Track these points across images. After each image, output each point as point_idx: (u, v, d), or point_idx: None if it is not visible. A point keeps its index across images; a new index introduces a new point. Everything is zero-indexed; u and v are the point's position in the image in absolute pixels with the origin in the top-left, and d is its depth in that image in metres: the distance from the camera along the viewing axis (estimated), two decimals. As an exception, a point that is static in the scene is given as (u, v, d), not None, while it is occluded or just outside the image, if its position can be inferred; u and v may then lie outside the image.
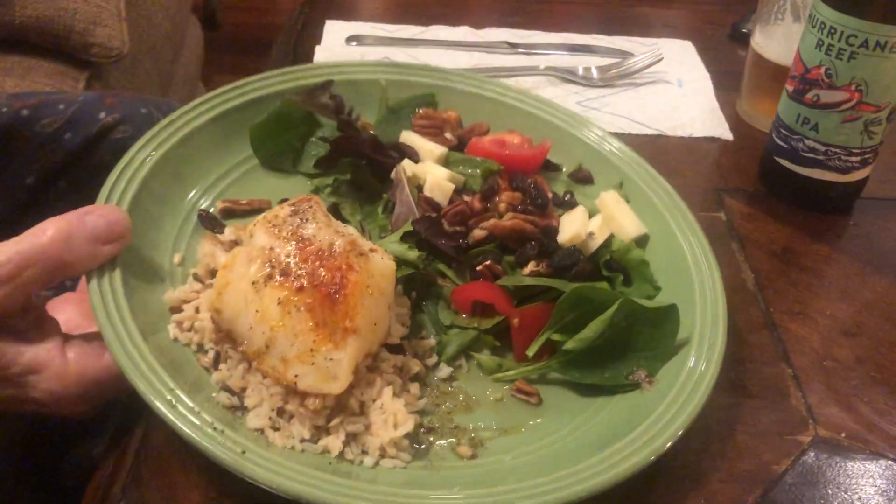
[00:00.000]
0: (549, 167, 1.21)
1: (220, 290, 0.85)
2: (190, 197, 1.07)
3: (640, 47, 1.72)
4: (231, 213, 1.07)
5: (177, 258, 0.99)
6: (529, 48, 1.68)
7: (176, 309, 0.93)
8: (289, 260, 0.85)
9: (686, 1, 2.03)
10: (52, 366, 0.85)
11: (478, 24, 1.75)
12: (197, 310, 0.92)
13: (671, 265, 1.07)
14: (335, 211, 1.08)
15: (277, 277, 0.84)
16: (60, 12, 1.61)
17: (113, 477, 0.88)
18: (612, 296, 0.96)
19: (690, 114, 1.53)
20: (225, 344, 0.88)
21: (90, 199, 1.39)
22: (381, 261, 0.89)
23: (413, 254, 0.98)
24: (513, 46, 1.67)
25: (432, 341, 0.96)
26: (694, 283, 1.03)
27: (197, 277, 0.95)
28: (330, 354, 0.82)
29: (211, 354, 0.89)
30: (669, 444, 0.84)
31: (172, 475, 0.86)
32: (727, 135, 1.49)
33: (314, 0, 1.83)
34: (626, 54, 1.67)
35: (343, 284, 0.83)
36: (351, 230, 0.93)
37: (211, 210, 1.07)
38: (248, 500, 0.81)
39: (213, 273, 0.96)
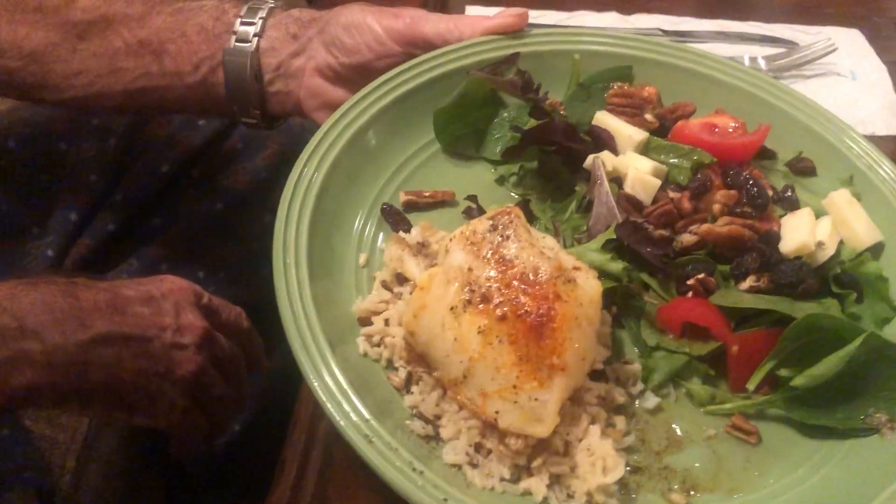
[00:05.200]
0: (763, 154, 1.07)
1: (415, 313, 0.79)
2: (371, 189, 1.00)
3: (803, 36, 1.53)
4: (414, 206, 1.00)
5: (362, 259, 0.94)
6: (684, 35, 1.52)
7: (364, 320, 0.88)
8: (490, 284, 0.78)
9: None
10: None
11: (625, 10, 1.58)
12: (386, 322, 0.86)
13: (913, 282, 0.92)
14: (524, 208, 0.99)
15: (478, 303, 0.77)
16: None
17: (296, 494, 0.86)
18: (851, 328, 0.83)
19: (869, 109, 1.37)
20: (417, 366, 0.83)
21: (223, 187, 1.39)
22: (588, 285, 0.80)
23: (617, 266, 0.89)
24: (666, 34, 1.51)
25: (637, 367, 0.87)
26: (943, 306, 0.89)
27: (385, 285, 0.90)
28: (535, 394, 0.74)
29: (402, 374, 0.84)
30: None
31: (359, 498, 0.83)
32: (914, 133, 1.31)
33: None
34: (790, 44, 1.50)
35: (550, 317, 0.75)
36: (551, 243, 0.84)
37: (393, 203, 1.00)
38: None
39: (399, 279, 0.90)
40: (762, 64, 1.45)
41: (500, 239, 0.80)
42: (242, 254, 1.41)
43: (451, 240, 0.82)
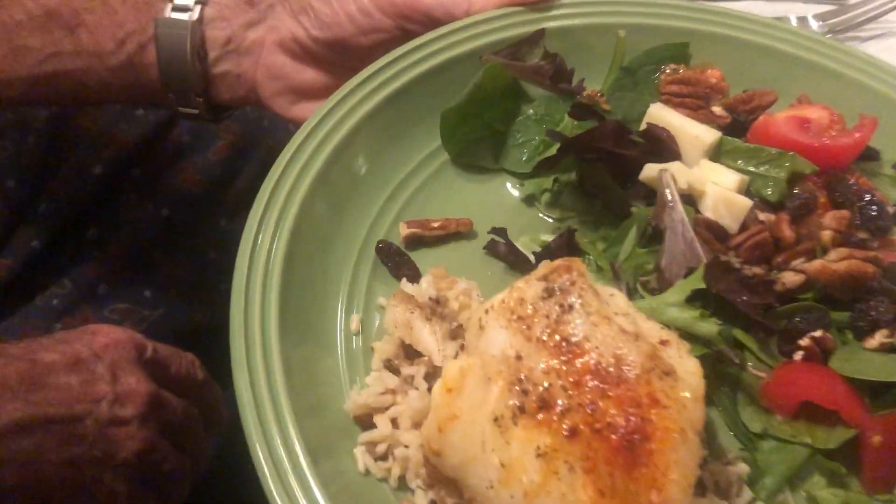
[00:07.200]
0: (863, 155, 0.83)
1: (441, 425, 0.55)
2: (361, 224, 0.75)
3: None
4: (419, 240, 0.77)
5: (353, 323, 0.69)
6: (721, -7, 1.31)
7: (364, 420, 0.63)
8: (550, 381, 0.53)
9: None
10: None
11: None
12: (394, 423, 0.62)
13: None
14: (567, 240, 0.74)
15: (534, 411, 0.53)
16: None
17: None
18: None
19: None
20: (444, 490, 0.59)
21: (168, 188, 1.20)
22: (686, 370, 0.56)
23: (710, 328, 0.65)
24: (701, -9, 1.29)
25: (742, 468, 0.64)
26: None
27: (389, 365, 0.65)
28: (628, 548, 0.51)
29: (423, 501, 0.59)
30: None
31: None
32: None
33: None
34: (840, 1, 1.31)
35: (647, 434, 0.51)
36: (622, 304, 0.59)
37: (391, 240, 0.75)
38: None
39: (409, 352, 0.66)
40: (813, 24, 1.27)
41: (559, 310, 0.56)
42: (196, 266, 1.23)
43: (486, 311, 0.57)
